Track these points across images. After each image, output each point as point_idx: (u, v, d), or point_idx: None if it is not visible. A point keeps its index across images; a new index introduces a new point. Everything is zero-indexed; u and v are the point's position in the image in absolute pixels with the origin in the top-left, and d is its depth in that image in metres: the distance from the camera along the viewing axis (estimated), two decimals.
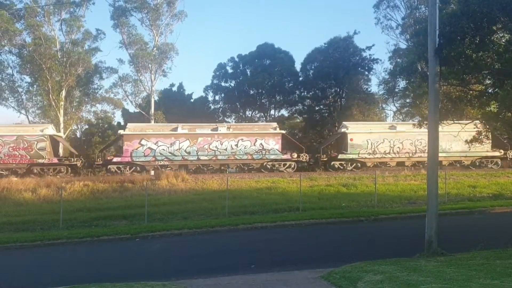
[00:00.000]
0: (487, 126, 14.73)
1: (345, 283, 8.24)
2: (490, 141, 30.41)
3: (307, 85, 48.29)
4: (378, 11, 42.19)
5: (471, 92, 13.55)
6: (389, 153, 30.45)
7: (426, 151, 29.41)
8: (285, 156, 29.92)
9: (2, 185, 23.62)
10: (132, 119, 44.05)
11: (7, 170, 28.54)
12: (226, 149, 29.50)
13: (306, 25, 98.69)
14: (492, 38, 11.44)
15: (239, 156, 29.56)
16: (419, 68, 13.85)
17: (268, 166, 29.82)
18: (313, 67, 48.07)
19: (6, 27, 35.64)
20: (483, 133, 15.04)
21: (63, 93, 38.72)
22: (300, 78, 48.73)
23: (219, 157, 29.48)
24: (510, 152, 31.34)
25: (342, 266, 9.76)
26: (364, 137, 30.31)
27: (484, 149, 30.12)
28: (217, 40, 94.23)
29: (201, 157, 29.33)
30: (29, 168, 28.81)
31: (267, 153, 29.75)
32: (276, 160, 29.92)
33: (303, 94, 49.42)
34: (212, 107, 50.94)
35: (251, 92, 48.40)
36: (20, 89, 41.27)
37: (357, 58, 47.08)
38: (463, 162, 30.92)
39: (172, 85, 51.47)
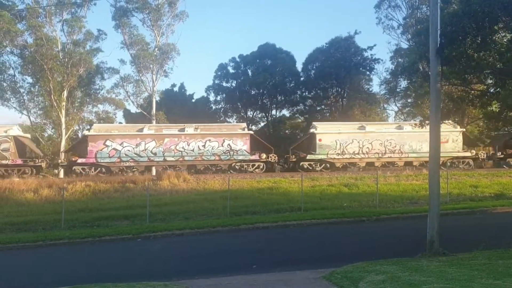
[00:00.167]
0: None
1: (346, 283, 8.23)
2: (462, 141, 30.52)
3: (308, 85, 48.35)
4: (379, 11, 42.30)
5: (472, 92, 13.55)
6: (358, 153, 30.18)
7: (396, 151, 30.27)
8: (253, 157, 29.60)
9: (4, 185, 23.63)
10: (133, 119, 44.23)
11: None
12: (193, 150, 29.16)
13: (307, 25, 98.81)
14: (494, 37, 11.43)
15: (207, 157, 29.23)
16: (421, 68, 13.84)
17: (236, 167, 29.49)
18: (314, 67, 48.13)
19: (8, 28, 35.68)
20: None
21: (65, 93, 38.73)
22: (302, 78, 48.79)
23: (186, 158, 29.15)
24: (482, 152, 31.25)
25: (343, 266, 9.75)
26: (333, 137, 30.09)
27: (456, 149, 30.22)
28: (218, 40, 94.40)
29: (168, 158, 28.99)
30: None
31: (235, 153, 29.41)
32: (244, 161, 29.58)
33: (304, 94, 49.49)
34: (214, 107, 51.04)
35: (253, 92, 48.44)
36: (21, 90, 41.31)
37: (359, 58, 47.13)
38: None
39: (173, 85, 51.65)
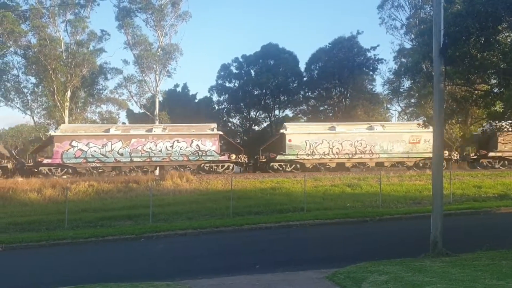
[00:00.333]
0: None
1: (349, 284, 8.23)
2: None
3: (311, 85, 48.31)
4: (382, 11, 42.23)
5: (476, 92, 13.50)
6: (328, 154, 29.88)
7: (366, 152, 30.14)
8: (222, 158, 29.38)
9: (8, 185, 23.74)
10: (136, 119, 44.34)
11: None
12: (161, 151, 28.83)
13: (310, 25, 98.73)
14: (497, 37, 11.38)
15: (175, 158, 28.90)
16: (424, 68, 13.81)
17: (205, 167, 29.23)
18: (317, 67, 48.08)
19: (12, 29, 35.89)
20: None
21: (68, 93, 38.92)
22: (305, 78, 48.75)
23: (154, 159, 28.91)
24: (455, 153, 30.94)
25: (346, 266, 9.74)
26: (303, 138, 29.81)
27: (428, 150, 29.38)
28: (221, 40, 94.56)
29: (135, 159, 28.71)
30: None
31: (203, 154, 29.08)
32: (213, 161, 29.30)
33: (307, 94, 49.45)
34: (217, 107, 51.03)
35: (256, 92, 48.42)
36: (25, 90, 41.63)
37: (362, 58, 47.07)
38: (406, 164, 30.40)
39: (176, 85, 51.69)
